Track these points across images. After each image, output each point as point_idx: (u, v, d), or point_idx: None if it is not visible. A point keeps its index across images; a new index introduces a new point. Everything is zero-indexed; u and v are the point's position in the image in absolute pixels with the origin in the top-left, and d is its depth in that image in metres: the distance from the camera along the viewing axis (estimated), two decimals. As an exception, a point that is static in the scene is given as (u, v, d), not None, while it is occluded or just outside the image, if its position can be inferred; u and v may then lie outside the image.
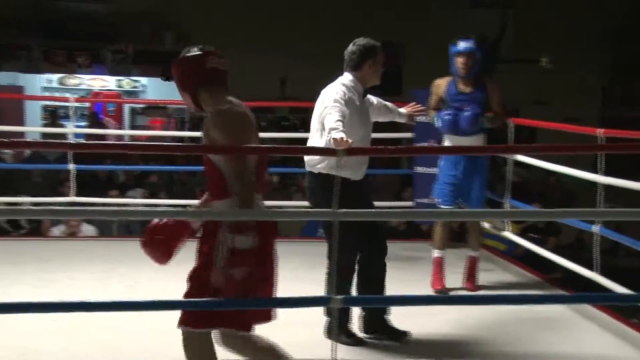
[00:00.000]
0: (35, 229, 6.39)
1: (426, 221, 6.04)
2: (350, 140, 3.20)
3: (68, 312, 2.67)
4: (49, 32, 10.87)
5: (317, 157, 3.66)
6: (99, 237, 6.24)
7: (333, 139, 3.26)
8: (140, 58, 11.35)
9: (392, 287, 4.51)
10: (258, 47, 11.34)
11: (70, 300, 3.26)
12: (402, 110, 4.11)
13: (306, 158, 3.73)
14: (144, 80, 14.01)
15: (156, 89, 13.32)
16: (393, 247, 5.65)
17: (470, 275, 4.62)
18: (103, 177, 8.40)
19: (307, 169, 3.68)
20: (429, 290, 4.53)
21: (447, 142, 4.54)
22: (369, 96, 3.93)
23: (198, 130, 9.47)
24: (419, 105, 4.14)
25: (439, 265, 4.58)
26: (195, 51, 2.71)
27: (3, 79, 12.65)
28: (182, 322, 2.62)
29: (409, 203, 5.94)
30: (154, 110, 13.29)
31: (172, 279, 4.41)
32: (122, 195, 7.14)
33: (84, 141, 2.81)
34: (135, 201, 6.51)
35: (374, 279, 3.69)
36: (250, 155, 2.57)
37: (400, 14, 11.79)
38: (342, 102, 3.59)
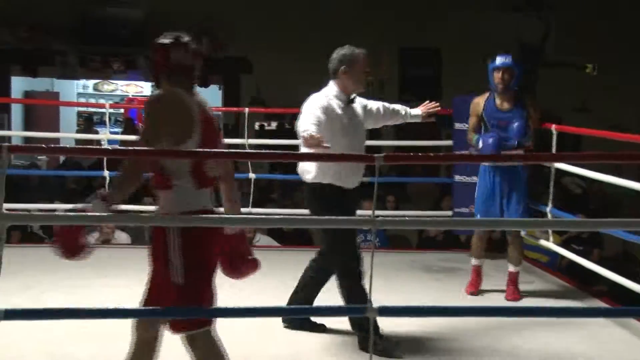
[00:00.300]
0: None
1: (464, 231, 6.00)
2: (318, 135, 3.24)
3: (101, 319, 2.71)
4: (85, 37, 11.06)
5: (307, 166, 3.68)
6: (132, 244, 6.32)
7: (303, 137, 3.32)
8: (175, 64, 11.48)
9: (429, 297, 4.50)
10: (294, 53, 11.39)
11: (104, 307, 3.30)
12: (416, 110, 4.13)
13: (299, 169, 3.76)
14: (178, 86, 14.21)
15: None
16: (430, 257, 5.69)
17: (511, 288, 4.60)
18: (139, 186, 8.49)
19: (302, 178, 3.75)
20: (466, 302, 4.50)
21: None
22: (367, 102, 3.96)
23: (234, 137, 9.52)
24: (434, 103, 4.15)
25: (476, 272, 4.71)
26: (166, 39, 2.72)
27: (39, 85, 12.92)
28: (180, 328, 2.62)
29: (448, 213, 5.91)
30: (189, 116, 13.44)
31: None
32: (156, 203, 7.21)
33: (119, 147, 2.86)
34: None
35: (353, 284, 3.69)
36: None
37: (438, 16, 11.74)
38: (318, 110, 3.62)
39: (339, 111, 3.68)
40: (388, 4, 11.73)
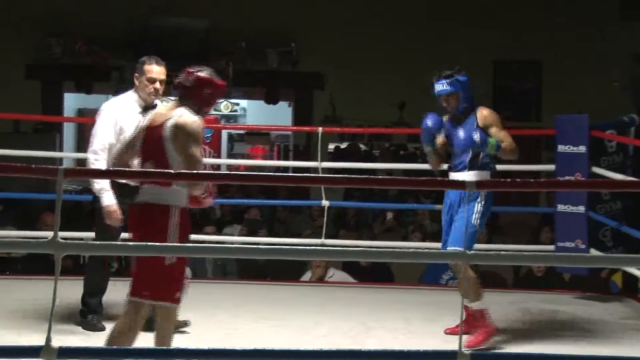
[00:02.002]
0: (125, 267, 6.68)
1: (569, 268, 5.88)
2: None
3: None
4: (142, 51, 11.40)
5: None
6: (192, 278, 6.45)
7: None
8: (241, 78, 11.68)
9: (531, 344, 4.43)
10: (372, 68, 11.46)
11: (164, 347, 3.38)
12: None
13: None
14: (244, 103, 14.45)
15: (257, 112, 13.68)
16: (529, 298, 5.60)
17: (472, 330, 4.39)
18: (197, 211, 8.69)
19: None
20: (566, 349, 4.40)
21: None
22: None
23: (304, 159, 9.61)
24: None
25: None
26: (208, 74, 3.64)
27: (93, 102, 13.34)
28: (160, 297, 3.37)
29: (549, 247, 5.81)
30: (255, 136, 13.63)
31: (273, 327, 4.55)
32: (219, 232, 7.36)
33: (185, 172, 2.94)
34: (233, 239, 6.70)
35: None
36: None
37: (537, 26, 11.63)
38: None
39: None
40: (480, 12, 11.69)
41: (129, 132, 4.26)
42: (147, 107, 4.40)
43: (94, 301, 4.51)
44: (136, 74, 4.42)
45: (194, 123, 3.45)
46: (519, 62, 11.91)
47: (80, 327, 4.43)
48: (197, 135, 3.46)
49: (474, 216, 4.23)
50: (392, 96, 11.53)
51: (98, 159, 4.33)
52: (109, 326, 4.24)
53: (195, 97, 3.55)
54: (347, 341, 4.31)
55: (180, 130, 3.42)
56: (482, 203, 4.26)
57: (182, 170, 3.33)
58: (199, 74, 3.59)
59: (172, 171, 3.31)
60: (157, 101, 4.40)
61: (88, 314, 4.50)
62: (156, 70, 4.39)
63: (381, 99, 11.43)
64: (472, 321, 4.27)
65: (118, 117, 4.41)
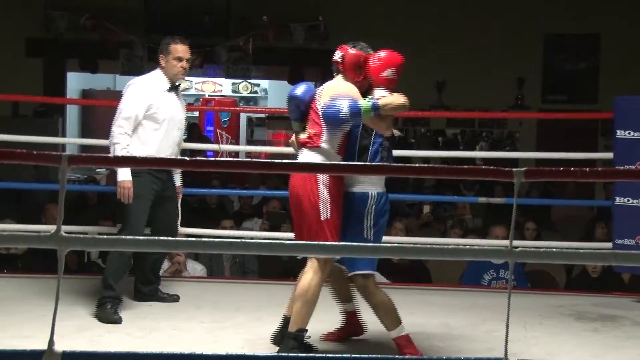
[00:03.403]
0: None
1: (628, 268, 5.83)
2: None
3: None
4: (153, 26, 11.44)
5: None
6: (208, 278, 6.49)
7: None
8: (262, 56, 11.68)
9: (584, 351, 4.40)
10: (408, 43, 11.42)
11: (173, 352, 3.40)
12: None
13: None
14: (265, 83, 14.45)
15: (280, 94, 13.68)
16: (583, 301, 5.56)
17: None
18: (214, 204, 8.73)
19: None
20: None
21: None
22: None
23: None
24: None
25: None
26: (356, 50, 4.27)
27: (99, 83, 13.47)
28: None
29: (606, 244, 5.76)
30: (277, 121, 13.64)
31: (317, 329, 4.55)
32: (238, 227, 7.38)
33: (198, 158, 2.94)
34: (253, 234, 6.71)
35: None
36: None
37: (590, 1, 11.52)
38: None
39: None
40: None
41: (157, 111, 4.77)
42: (173, 87, 4.89)
43: (116, 288, 4.73)
44: (162, 55, 4.85)
45: (345, 87, 4.06)
46: (573, 37, 11.77)
47: (90, 326, 4.47)
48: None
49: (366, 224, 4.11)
50: (430, 76, 11.48)
51: (122, 133, 4.74)
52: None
53: (348, 72, 4.17)
54: (383, 347, 4.31)
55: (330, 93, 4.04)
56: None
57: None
58: (349, 50, 4.22)
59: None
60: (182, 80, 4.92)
61: (107, 302, 4.69)
62: (182, 49, 4.83)
63: (418, 79, 11.34)
64: (400, 350, 4.13)
65: (147, 94, 4.79)
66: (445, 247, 2.79)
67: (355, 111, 3.95)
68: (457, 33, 11.52)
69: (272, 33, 11.53)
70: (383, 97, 4.01)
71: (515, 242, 2.53)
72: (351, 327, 4.45)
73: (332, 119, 3.98)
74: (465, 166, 2.94)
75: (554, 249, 2.71)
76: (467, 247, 2.80)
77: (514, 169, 2.53)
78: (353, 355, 2.90)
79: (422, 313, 5.08)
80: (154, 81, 4.87)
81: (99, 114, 13.33)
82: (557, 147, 6.35)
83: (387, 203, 4.19)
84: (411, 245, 2.72)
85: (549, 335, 4.72)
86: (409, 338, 4.14)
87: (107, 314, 4.64)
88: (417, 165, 2.97)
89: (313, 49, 11.58)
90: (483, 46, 11.48)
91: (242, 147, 12.08)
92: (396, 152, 6.99)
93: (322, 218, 3.96)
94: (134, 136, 4.77)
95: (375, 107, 3.97)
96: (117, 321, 4.59)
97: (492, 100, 11.18)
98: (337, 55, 4.28)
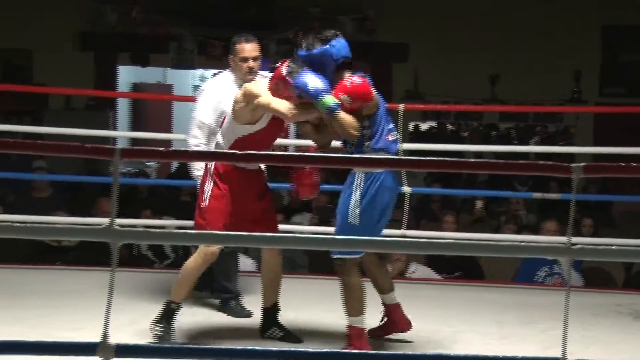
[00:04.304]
0: (182, 258, 6.78)
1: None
2: None
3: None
4: (204, 19, 11.51)
5: None
6: (258, 272, 6.51)
7: None
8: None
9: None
10: (460, 36, 11.34)
11: (232, 347, 3.43)
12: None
13: None
14: (314, 77, 14.47)
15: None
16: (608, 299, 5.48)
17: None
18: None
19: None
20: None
21: None
22: None
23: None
24: None
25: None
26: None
27: (150, 76, 13.59)
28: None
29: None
30: (327, 114, 13.63)
31: (367, 327, 4.56)
32: (287, 221, 7.40)
33: (255, 153, 2.96)
34: (303, 228, 6.72)
35: None
36: None
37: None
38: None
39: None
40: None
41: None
42: None
43: (232, 285, 4.88)
44: (230, 55, 4.69)
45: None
46: (633, 28, 11.57)
47: (146, 322, 4.51)
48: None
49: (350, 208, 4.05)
50: (483, 69, 11.40)
51: (198, 144, 4.68)
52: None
53: None
54: (432, 345, 4.30)
55: None
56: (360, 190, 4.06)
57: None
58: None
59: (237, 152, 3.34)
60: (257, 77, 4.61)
61: (230, 300, 4.84)
62: (248, 48, 4.62)
63: (470, 72, 11.31)
64: (348, 341, 4.04)
65: (218, 101, 4.67)
66: (499, 243, 2.76)
67: (317, 93, 3.90)
68: (511, 25, 11.41)
69: (320, 25, 11.53)
70: (340, 113, 3.93)
71: (573, 239, 2.49)
72: (393, 323, 4.33)
73: (301, 86, 3.94)
74: (522, 161, 2.91)
75: (615, 247, 2.67)
76: (523, 243, 2.77)
77: (572, 165, 2.50)
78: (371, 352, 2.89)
79: (474, 311, 5.05)
80: (224, 85, 4.68)
81: (150, 107, 13.47)
82: (615, 142, 6.25)
83: (378, 185, 4.04)
84: (463, 241, 2.71)
85: (606, 335, 4.66)
86: (363, 333, 4.04)
87: (237, 310, 4.81)
88: (469, 160, 2.95)
89: (361, 42, 11.55)
90: (538, 38, 11.35)
91: (291, 141, 12.09)
92: (448, 147, 6.99)
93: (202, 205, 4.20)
94: (211, 145, 4.64)
95: (333, 110, 3.91)
96: (248, 315, 4.75)
97: (548, 93, 11.05)
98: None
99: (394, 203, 4.18)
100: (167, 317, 4.19)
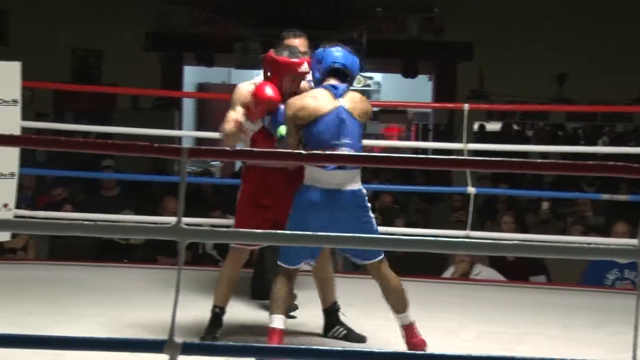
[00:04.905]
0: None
1: None
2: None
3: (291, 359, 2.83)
4: (268, 19, 11.59)
5: None
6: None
7: None
8: (375, 49, 11.67)
9: None
10: (527, 35, 11.22)
11: (297, 346, 3.45)
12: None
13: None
14: (378, 76, 14.45)
15: (393, 87, 13.66)
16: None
17: None
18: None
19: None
20: None
21: None
22: None
23: (444, 140, 9.52)
24: None
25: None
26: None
27: (214, 76, 13.74)
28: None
29: None
30: (390, 114, 13.62)
31: (431, 328, 4.54)
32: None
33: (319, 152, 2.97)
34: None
35: None
36: None
37: None
38: None
39: None
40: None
41: None
42: None
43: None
44: (278, 50, 4.50)
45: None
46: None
47: (201, 322, 4.56)
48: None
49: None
50: (549, 68, 11.25)
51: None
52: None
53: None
54: (497, 347, 4.26)
55: None
56: None
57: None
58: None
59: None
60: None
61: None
62: (296, 43, 4.54)
63: (537, 71, 11.18)
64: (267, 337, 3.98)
65: None
66: (566, 245, 2.73)
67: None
68: (579, 22, 11.24)
69: (385, 25, 11.52)
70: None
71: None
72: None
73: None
74: (591, 162, 2.87)
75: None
76: (591, 245, 2.74)
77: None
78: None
79: (540, 313, 4.99)
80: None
81: (214, 107, 13.60)
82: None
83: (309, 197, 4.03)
84: (529, 243, 2.68)
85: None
86: (280, 334, 3.96)
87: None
88: (535, 160, 2.92)
89: (428, 41, 11.51)
90: (608, 37, 11.16)
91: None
92: (513, 147, 6.91)
93: None
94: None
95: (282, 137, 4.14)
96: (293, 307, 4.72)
97: (616, 93, 10.86)
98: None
99: None
100: (213, 323, 4.27)
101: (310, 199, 3.99)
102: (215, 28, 11.55)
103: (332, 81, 4.06)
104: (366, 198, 4.05)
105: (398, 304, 4.07)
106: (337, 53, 4.10)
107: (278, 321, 3.97)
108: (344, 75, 4.09)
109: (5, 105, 5.33)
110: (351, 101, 4.06)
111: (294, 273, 4.11)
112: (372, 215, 4.06)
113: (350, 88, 4.15)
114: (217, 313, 4.28)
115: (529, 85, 10.98)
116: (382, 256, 4.09)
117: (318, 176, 3.98)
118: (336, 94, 4.04)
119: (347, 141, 4.02)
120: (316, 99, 4.03)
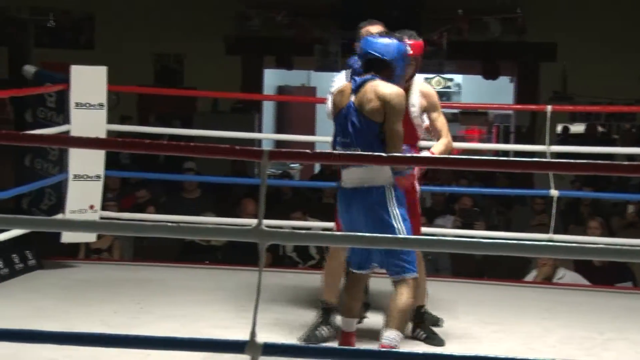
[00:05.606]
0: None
1: None
2: None
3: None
4: (348, 21, 11.61)
5: None
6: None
7: None
8: (456, 50, 11.59)
9: None
10: (612, 35, 11.00)
11: (370, 349, 3.45)
12: None
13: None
14: (458, 78, 14.34)
15: (474, 89, 13.54)
16: None
17: None
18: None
19: None
20: None
21: None
22: None
23: (526, 142, 9.37)
24: None
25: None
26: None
27: (294, 79, 13.82)
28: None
29: None
30: (471, 116, 13.49)
31: (494, 332, 4.51)
32: (430, 223, 7.37)
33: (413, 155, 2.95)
34: (446, 231, 6.68)
35: None
36: None
37: None
38: None
39: None
40: None
41: None
42: None
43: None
44: (356, 42, 4.31)
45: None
46: None
47: (288, 319, 4.59)
48: None
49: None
50: (635, 68, 11.00)
51: None
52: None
53: None
54: (581, 353, 4.20)
55: None
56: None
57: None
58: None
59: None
60: None
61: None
62: (372, 30, 4.29)
63: (622, 71, 10.93)
64: None
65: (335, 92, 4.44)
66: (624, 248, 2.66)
67: None
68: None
69: (466, 26, 11.43)
70: None
71: None
72: None
73: None
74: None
75: None
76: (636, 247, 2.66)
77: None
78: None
79: (625, 319, 4.90)
80: (344, 75, 4.39)
81: (294, 109, 13.68)
82: None
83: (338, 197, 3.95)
84: (615, 247, 2.63)
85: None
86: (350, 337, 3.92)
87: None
88: (621, 163, 2.87)
89: (509, 42, 11.37)
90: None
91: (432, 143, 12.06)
92: (598, 149, 6.79)
93: None
94: None
95: None
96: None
97: None
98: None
99: None
100: (323, 317, 4.30)
101: (338, 199, 3.95)
102: (295, 31, 11.61)
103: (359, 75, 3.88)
104: (390, 195, 3.78)
105: (393, 321, 3.79)
106: (365, 43, 3.90)
107: (347, 324, 3.94)
108: (377, 63, 3.85)
109: (92, 109, 5.47)
110: (363, 96, 3.81)
111: (362, 278, 4.00)
112: (397, 213, 3.78)
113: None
114: (325, 309, 4.33)
115: (614, 86, 10.75)
116: (411, 276, 3.83)
117: (342, 176, 3.88)
118: (354, 88, 3.87)
119: (346, 140, 3.82)
120: (341, 94, 3.92)
